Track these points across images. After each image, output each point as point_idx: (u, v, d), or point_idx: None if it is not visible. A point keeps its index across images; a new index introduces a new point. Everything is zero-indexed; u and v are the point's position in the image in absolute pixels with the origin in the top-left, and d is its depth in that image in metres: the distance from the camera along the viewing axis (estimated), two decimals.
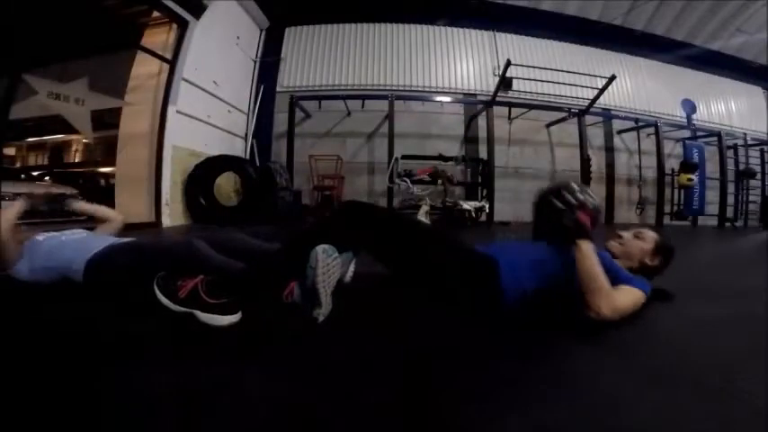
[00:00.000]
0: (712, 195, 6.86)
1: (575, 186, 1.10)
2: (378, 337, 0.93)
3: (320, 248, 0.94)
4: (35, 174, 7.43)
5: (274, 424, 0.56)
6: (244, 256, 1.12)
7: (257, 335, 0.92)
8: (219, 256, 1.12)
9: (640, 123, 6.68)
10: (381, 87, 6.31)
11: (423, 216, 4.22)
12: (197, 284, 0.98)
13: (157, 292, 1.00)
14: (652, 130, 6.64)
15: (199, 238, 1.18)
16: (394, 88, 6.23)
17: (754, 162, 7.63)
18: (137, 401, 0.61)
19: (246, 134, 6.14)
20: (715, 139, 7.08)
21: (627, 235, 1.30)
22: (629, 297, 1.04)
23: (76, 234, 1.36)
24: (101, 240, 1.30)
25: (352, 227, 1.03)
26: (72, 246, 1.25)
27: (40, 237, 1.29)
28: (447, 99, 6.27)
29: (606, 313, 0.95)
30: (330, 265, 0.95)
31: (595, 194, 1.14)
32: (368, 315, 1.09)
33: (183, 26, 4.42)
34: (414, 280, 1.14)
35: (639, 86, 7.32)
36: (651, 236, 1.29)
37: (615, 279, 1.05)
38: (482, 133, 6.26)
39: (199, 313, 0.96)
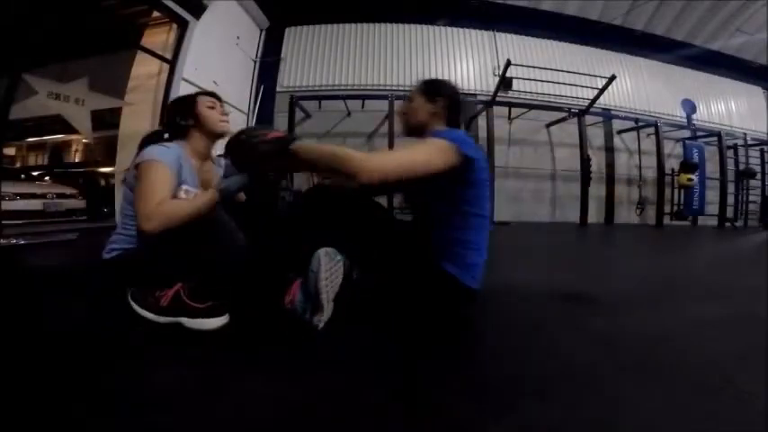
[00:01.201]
0: (712, 195, 6.86)
1: (253, 128, 0.99)
2: (374, 336, 0.93)
3: (322, 251, 0.91)
4: (35, 174, 7.42)
5: (274, 424, 0.56)
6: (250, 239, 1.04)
7: (251, 337, 0.92)
8: (234, 226, 1.01)
9: (640, 123, 6.68)
10: (381, 87, 6.30)
11: None
12: (178, 291, 0.94)
13: (135, 306, 0.95)
14: (652, 130, 6.64)
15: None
16: (394, 88, 6.22)
17: (754, 162, 7.63)
18: (136, 401, 0.61)
19: None
20: (715, 139, 7.08)
21: (402, 109, 1.16)
22: (400, 151, 0.90)
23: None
24: None
25: (317, 213, 0.99)
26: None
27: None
28: None
29: (370, 172, 0.80)
30: (333, 270, 0.92)
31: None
32: (364, 315, 1.09)
33: (183, 26, 4.42)
34: (378, 281, 1.11)
35: (639, 86, 7.32)
36: (412, 90, 1.14)
37: None
38: (482, 133, 6.26)
39: (186, 320, 0.92)
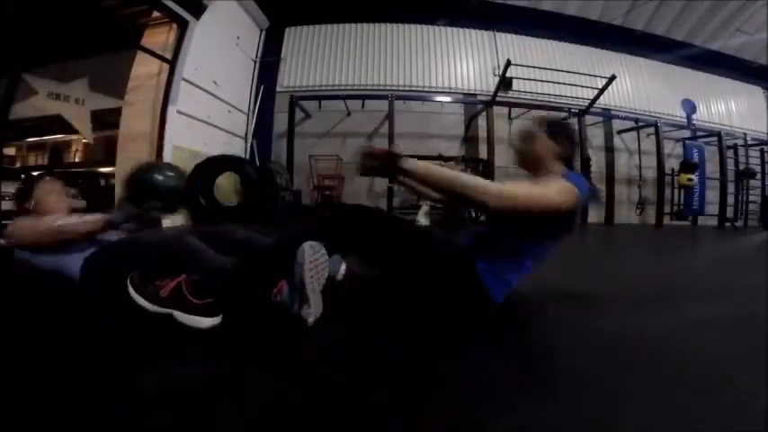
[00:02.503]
0: (712, 195, 6.86)
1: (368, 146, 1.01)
2: (371, 335, 0.93)
3: (307, 245, 0.92)
4: (35, 174, 7.41)
5: (274, 424, 0.56)
6: (235, 249, 1.10)
7: (248, 335, 0.92)
8: (210, 251, 1.07)
9: (640, 123, 6.68)
10: (381, 87, 6.31)
11: (423, 216, 4.23)
12: (180, 283, 0.94)
13: (133, 292, 0.96)
14: (652, 130, 6.64)
15: (191, 233, 1.16)
16: (394, 88, 6.23)
17: (754, 162, 7.64)
18: (135, 401, 0.61)
19: (246, 134, 6.13)
20: (715, 139, 7.09)
21: (521, 146, 1.18)
22: (531, 185, 0.93)
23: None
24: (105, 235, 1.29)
25: (337, 228, 1.01)
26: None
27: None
28: (447, 99, 6.27)
29: (496, 201, 0.85)
30: (318, 262, 0.93)
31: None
32: (360, 314, 1.09)
33: (183, 26, 4.42)
34: (400, 280, 1.12)
35: (639, 86, 7.32)
36: (534, 128, 1.16)
37: None
38: (482, 133, 6.26)
39: (179, 314, 0.92)
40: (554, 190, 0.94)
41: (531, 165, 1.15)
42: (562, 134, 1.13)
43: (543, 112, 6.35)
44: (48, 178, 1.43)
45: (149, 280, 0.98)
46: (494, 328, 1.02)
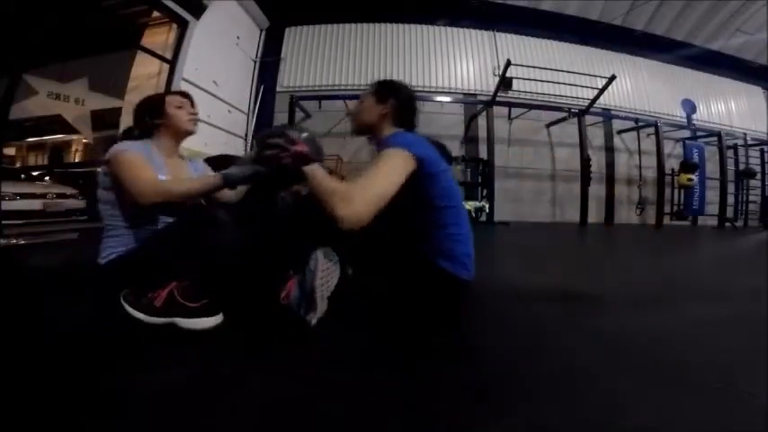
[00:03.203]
0: (712, 195, 6.86)
1: (281, 128, 0.99)
2: (373, 335, 0.93)
3: (321, 252, 0.93)
4: (35, 174, 7.42)
5: (273, 424, 0.56)
6: (247, 236, 1.05)
7: (248, 335, 0.92)
8: (224, 234, 0.99)
9: (640, 123, 6.68)
10: None
11: None
12: (172, 291, 0.93)
13: (128, 308, 0.95)
14: (652, 130, 6.64)
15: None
16: None
17: (754, 162, 7.64)
18: (135, 401, 0.61)
19: (246, 134, 6.14)
20: (715, 139, 7.09)
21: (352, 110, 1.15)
22: (372, 175, 0.87)
23: None
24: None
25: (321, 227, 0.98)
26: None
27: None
28: (447, 99, 6.27)
29: (355, 212, 0.81)
30: (329, 270, 0.94)
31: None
32: (363, 314, 1.09)
33: (183, 26, 4.43)
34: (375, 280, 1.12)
35: (639, 86, 7.32)
36: (363, 92, 1.13)
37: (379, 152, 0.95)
38: (482, 133, 6.26)
39: (181, 320, 0.91)
40: (391, 172, 0.89)
41: (362, 130, 1.13)
42: (391, 95, 1.09)
43: (543, 113, 6.37)
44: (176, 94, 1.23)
45: (141, 293, 0.97)
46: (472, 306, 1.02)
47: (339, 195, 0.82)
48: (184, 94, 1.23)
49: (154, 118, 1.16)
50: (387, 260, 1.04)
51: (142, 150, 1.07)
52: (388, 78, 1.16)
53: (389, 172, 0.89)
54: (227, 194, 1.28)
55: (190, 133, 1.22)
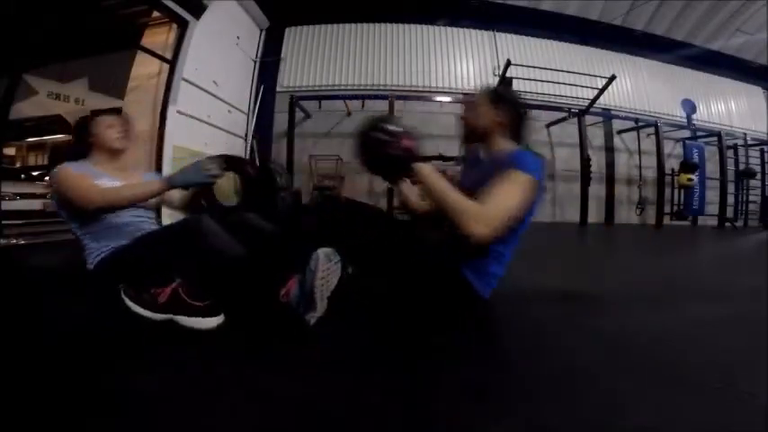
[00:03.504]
0: (712, 195, 6.86)
1: (391, 118, 1.02)
2: (368, 337, 0.93)
3: (322, 252, 0.93)
4: (35, 174, 7.41)
5: (273, 424, 0.56)
6: (248, 236, 1.09)
7: (249, 335, 0.92)
8: (225, 235, 1.04)
9: (640, 123, 6.68)
10: (381, 87, 6.30)
11: None
12: (176, 288, 0.94)
13: (129, 302, 0.96)
14: (652, 130, 6.64)
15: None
16: (394, 88, 6.22)
17: (754, 162, 7.63)
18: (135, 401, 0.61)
19: (246, 134, 6.13)
20: (715, 139, 7.08)
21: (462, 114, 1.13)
22: (502, 197, 0.90)
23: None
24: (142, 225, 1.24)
25: (333, 228, 1.02)
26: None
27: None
28: (447, 99, 6.27)
29: (484, 232, 0.84)
30: (330, 270, 0.94)
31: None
32: (360, 315, 1.09)
33: (183, 26, 4.42)
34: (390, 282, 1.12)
35: (639, 86, 7.32)
36: (477, 95, 1.10)
37: (499, 167, 0.95)
38: None
39: (182, 318, 0.92)
40: (520, 196, 0.92)
41: (475, 136, 1.10)
42: (505, 102, 1.07)
43: (543, 113, 6.36)
44: (108, 114, 1.35)
45: (142, 288, 0.97)
46: (484, 325, 1.03)
47: (472, 215, 0.86)
48: (118, 114, 1.45)
49: (86, 137, 1.29)
50: (405, 261, 1.03)
51: (80, 166, 1.21)
52: (500, 85, 1.19)
53: (521, 198, 0.92)
54: (173, 198, 1.44)
55: (119, 150, 1.32)
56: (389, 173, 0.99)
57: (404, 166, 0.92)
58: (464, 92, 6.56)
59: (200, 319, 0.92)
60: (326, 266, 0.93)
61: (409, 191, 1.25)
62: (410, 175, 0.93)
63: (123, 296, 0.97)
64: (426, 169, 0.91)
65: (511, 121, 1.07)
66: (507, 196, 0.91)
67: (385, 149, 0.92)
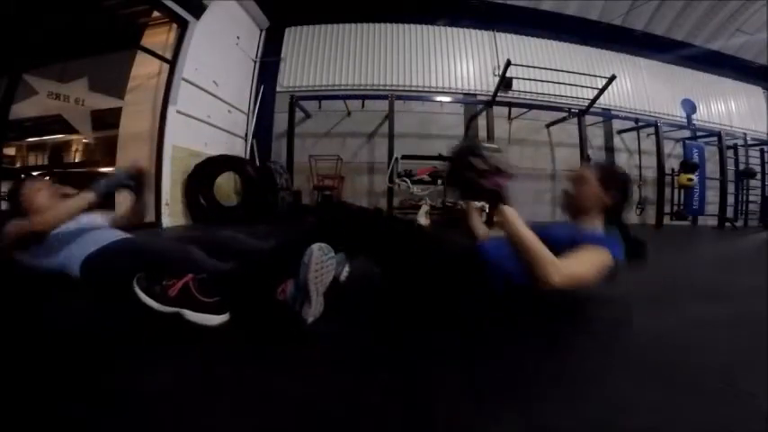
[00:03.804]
0: (712, 195, 6.86)
1: (488, 147, 1.04)
2: (370, 336, 0.93)
3: (316, 246, 0.93)
4: (35, 174, 7.41)
5: (273, 423, 0.56)
6: (236, 257, 1.13)
7: (251, 334, 0.92)
8: (211, 260, 1.11)
9: (640, 123, 6.67)
10: (381, 87, 6.30)
11: (423, 216, 4.22)
12: (188, 283, 0.96)
13: (140, 293, 0.97)
14: (652, 130, 6.64)
15: (192, 243, 1.21)
16: (394, 88, 6.22)
17: (754, 162, 7.63)
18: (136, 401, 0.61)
19: (246, 134, 6.13)
20: (715, 139, 7.08)
21: (569, 188, 1.16)
22: (583, 261, 0.95)
23: (88, 224, 1.37)
24: (105, 234, 1.30)
25: (337, 229, 1.03)
26: (76, 240, 1.26)
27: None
28: (447, 99, 6.26)
29: (556, 280, 0.87)
30: (324, 264, 0.93)
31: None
32: (361, 314, 1.09)
33: (183, 26, 4.42)
34: (401, 276, 1.14)
35: (639, 86, 7.32)
36: (589, 172, 1.13)
37: (573, 242, 0.99)
38: (482, 133, 6.26)
39: (188, 312, 0.93)
40: (598, 267, 0.97)
41: (577, 214, 1.13)
42: (615, 186, 1.10)
43: (543, 113, 6.36)
44: (37, 178, 1.49)
45: (155, 281, 0.99)
46: (497, 320, 1.03)
47: (552, 264, 0.89)
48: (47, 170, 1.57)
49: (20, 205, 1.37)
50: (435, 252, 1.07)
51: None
52: (610, 163, 1.22)
53: (598, 270, 0.97)
54: (119, 215, 1.55)
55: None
56: (470, 197, 1.04)
57: (490, 200, 0.96)
58: (464, 92, 6.57)
59: (206, 315, 0.93)
60: (320, 260, 0.92)
61: (475, 213, 1.28)
62: (492, 208, 0.97)
63: (135, 287, 0.98)
64: (512, 214, 0.95)
65: (616, 205, 1.12)
66: (589, 265, 0.96)
67: (478, 179, 0.96)
